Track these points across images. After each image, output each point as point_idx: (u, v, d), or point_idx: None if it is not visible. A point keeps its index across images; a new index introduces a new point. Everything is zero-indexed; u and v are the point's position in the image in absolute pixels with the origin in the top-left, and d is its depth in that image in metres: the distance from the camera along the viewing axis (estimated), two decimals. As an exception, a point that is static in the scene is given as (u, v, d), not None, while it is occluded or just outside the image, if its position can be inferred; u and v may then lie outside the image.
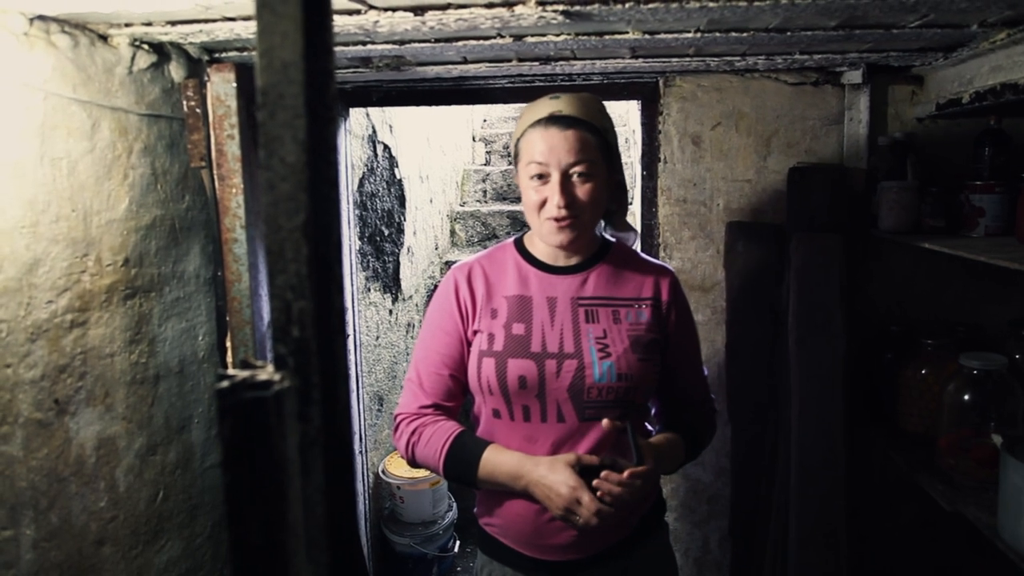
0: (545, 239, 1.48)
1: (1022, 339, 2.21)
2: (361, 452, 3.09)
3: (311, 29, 0.51)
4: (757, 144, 2.44)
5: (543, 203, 1.44)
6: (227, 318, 1.80)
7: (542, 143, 1.42)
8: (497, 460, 1.42)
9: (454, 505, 3.59)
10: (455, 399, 1.54)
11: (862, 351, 2.36)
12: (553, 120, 1.42)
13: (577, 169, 1.42)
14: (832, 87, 2.41)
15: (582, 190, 1.43)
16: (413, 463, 1.50)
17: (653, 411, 1.70)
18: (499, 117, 6.42)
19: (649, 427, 1.65)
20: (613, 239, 1.64)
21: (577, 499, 1.33)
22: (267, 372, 0.52)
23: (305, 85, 0.52)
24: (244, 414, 0.51)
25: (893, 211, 2.16)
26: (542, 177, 1.43)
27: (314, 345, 0.54)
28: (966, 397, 1.79)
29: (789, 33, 1.71)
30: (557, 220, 1.43)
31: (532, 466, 1.39)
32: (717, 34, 1.70)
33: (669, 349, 1.57)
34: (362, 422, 3.08)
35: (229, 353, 1.83)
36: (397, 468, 3.47)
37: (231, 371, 0.52)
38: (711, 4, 1.35)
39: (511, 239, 1.63)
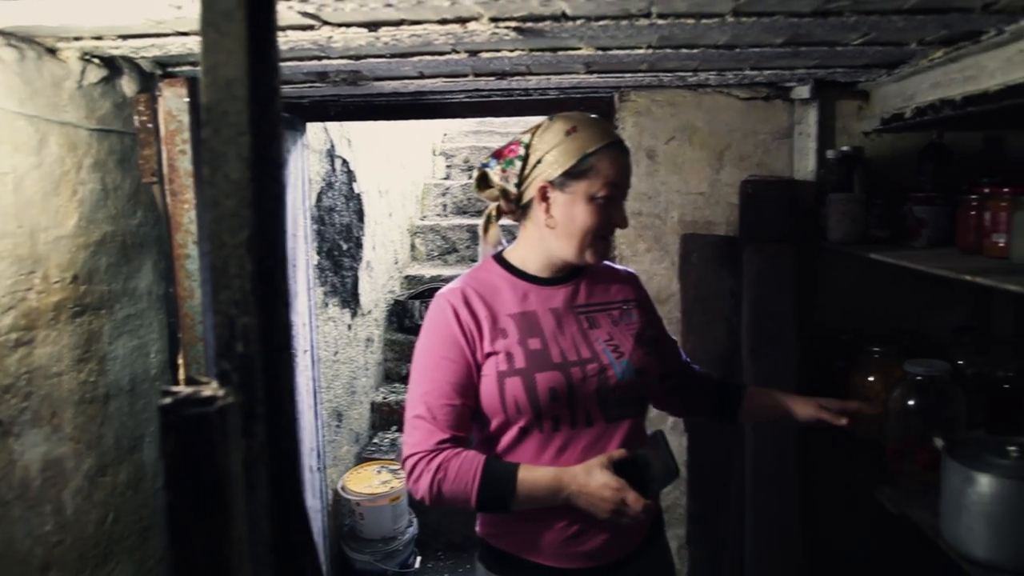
0: (587, 257, 1.49)
1: (964, 346, 2.27)
2: (319, 469, 3.06)
3: (255, 47, 0.52)
4: (710, 158, 2.48)
5: (606, 223, 1.47)
6: (179, 335, 1.78)
7: (621, 166, 1.46)
8: (533, 479, 1.39)
9: (414, 521, 3.57)
10: (467, 428, 1.49)
11: (815, 359, 2.41)
12: (623, 148, 1.48)
13: (624, 194, 1.51)
14: (782, 102, 2.46)
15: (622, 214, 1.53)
16: (438, 501, 1.43)
17: (655, 396, 1.73)
18: (459, 131, 6.44)
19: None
20: None
21: (623, 499, 1.35)
22: (211, 388, 0.52)
23: (249, 102, 0.52)
24: (187, 430, 0.51)
25: (841, 223, 2.21)
26: (611, 199, 1.46)
27: (258, 361, 0.54)
28: (911, 403, 1.84)
29: (738, 50, 1.75)
30: (602, 239, 1.50)
31: (570, 478, 1.38)
32: (668, 50, 1.73)
33: (659, 338, 1.66)
34: (320, 438, 3.05)
35: (182, 370, 1.81)
36: (356, 484, 3.44)
37: (175, 387, 0.52)
38: (660, 21, 1.37)
39: (489, 257, 1.62)
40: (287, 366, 0.56)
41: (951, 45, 1.71)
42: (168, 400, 0.51)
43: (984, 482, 1.48)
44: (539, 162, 1.46)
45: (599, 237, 1.48)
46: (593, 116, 1.51)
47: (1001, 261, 1.72)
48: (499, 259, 1.59)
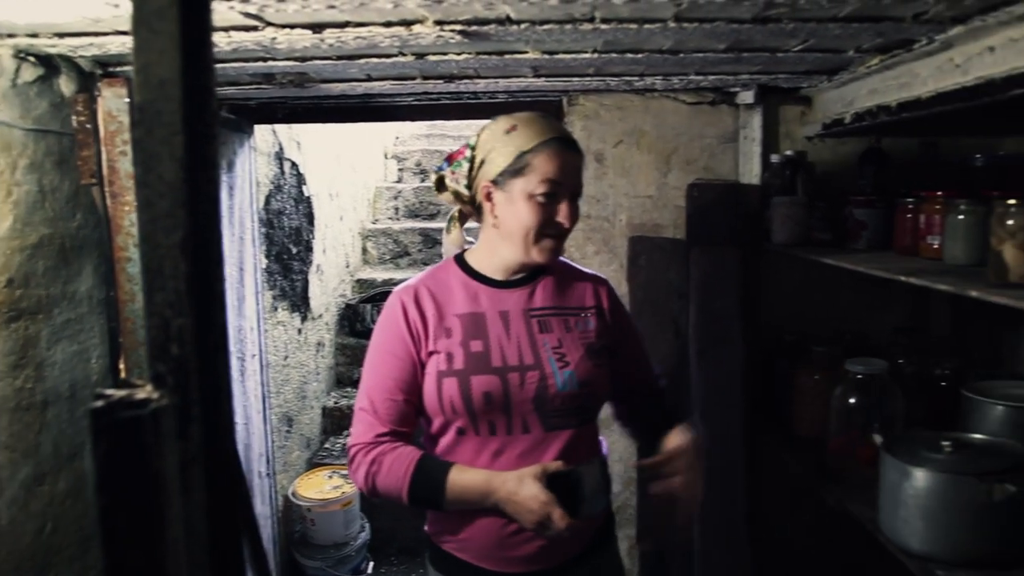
0: (535, 256, 1.48)
1: (904, 345, 2.34)
2: (269, 474, 3.02)
3: (189, 46, 0.51)
4: (658, 161, 2.51)
5: (547, 220, 1.45)
6: (120, 340, 1.74)
7: (560, 161, 1.43)
8: (464, 480, 1.41)
9: (367, 526, 3.54)
10: (410, 424, 1.50)
11: (760, 360, 2.46)
12: (566, 142, 1.46)
13: (576, 193, 1.48)
14: (727, 107, 2.51)
15: (576, 211, 1.49)
16: (373, 494, 1.45)
17: (614, 412, 1.75)
18: (411, 135, 6.41)
19: (602, 439, 1.67)
20: None
21: (548, 513, 1.35)
22: (145, 391, 0.52)
23: (183, 102, 0.51)
24: (120, 434, 0.50)
25: (785, 225, 2.26)
26: (550, 195, 1.44)
27: (194, 362, 0.53)
28: (851, 400, 1.89)
29: (682, 55, 1.78)
30: (557, 238, 1.47)
31: (500, 483, 1.39)
32: (614, 55, 1.75)
33: (621, 352, 1.61)
34: (270, 444, 3.01)
35: (123, 375, 1.77)
36: (307, 490, 3.40)
37: (107, 391, 0.52)
38: (604, 26, 1.39)
39: (450, 257, 1.62)
40: (224, 367, 0.56)
41: (886, 53, 1.77)
42: (100, 403, 0.50)
43: (919, 476, 1.52)
44: (483, 163, 1.47)
45: (544, 236, 1.46)
46: (537, 114, 1.49)
47: (935, 262, 1.78)
48: (458, 259, 1.60)
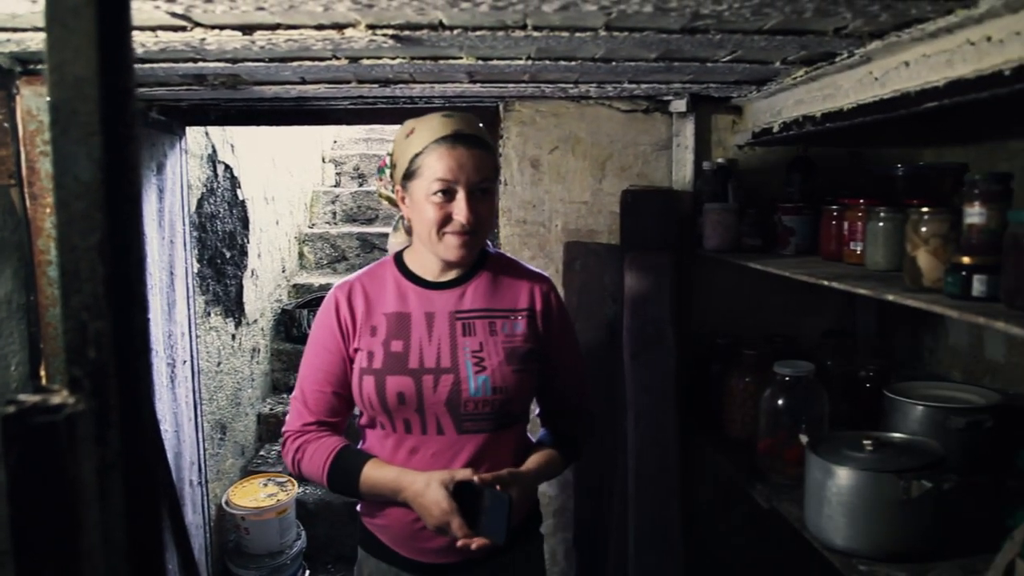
0: (443, 254, 1.50)
1: (832, 348, 2.42)
2: (201, 483, 2.95)
3: (107, 45, 0.51)
4: (593, 167, 2.55)
5: (446, 219, 1.46)
6: (41, 345, 1.68)
7: (450, 160, 1.44)
8: (376, 475, 1.48)
9: (302, 534, 3.49)
10: (339, 415, 1.58)
11: (695, 363, 2.51)
12: (459, 138, 1.45)
13: (481, 187, 1.48)
14: (661, 115, 2.56)
15: (484, 207, 1.49)
16: (299, 477, 1.57)
17: (538, 412, 1.75)
18: (349, 139, 6.35)
19: (531, 437, 1.69)
20: (492, 250, 1.68)
21: (448, 522, 1.40)
22: (61, 396, 0.51)
23: (101, 102, 0.51)
24: (32, 441, 0.49)
25: (716, 231, 2.32)
26: (447, 193, 1.45)
27: (112, 366, 0.52)
28: (780, 402, 1.94)
29: (615, 63, 1.81)
30: (461, 235, 1.47)
31: (409, 482, 1.44)
32: (548, 62, 1.77)
33: (551, 357, 1.62)
34: (201, 452, 2.95)
35: (44, 382, 1.71)
36: (241, 498, 3.33)
37: (20, 396, 0.51)
38: (536, 34, 1.41)
39: (390, 255, 1.64)
40: (145, 371, 0.55)
41: (811, 65, 1.83)
42: (11, 409, 0.49)
43: (842, 475, 1.58)
44: (393, 167, 1.54)
45: (447, 233, 1.47)
46: (437, 114, 1.50)
47: (858, 267, 1.84)
48: (397, 258, 1.63)
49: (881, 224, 1.72)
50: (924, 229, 1.47)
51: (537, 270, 1.69)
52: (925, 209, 1.49)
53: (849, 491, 1.57)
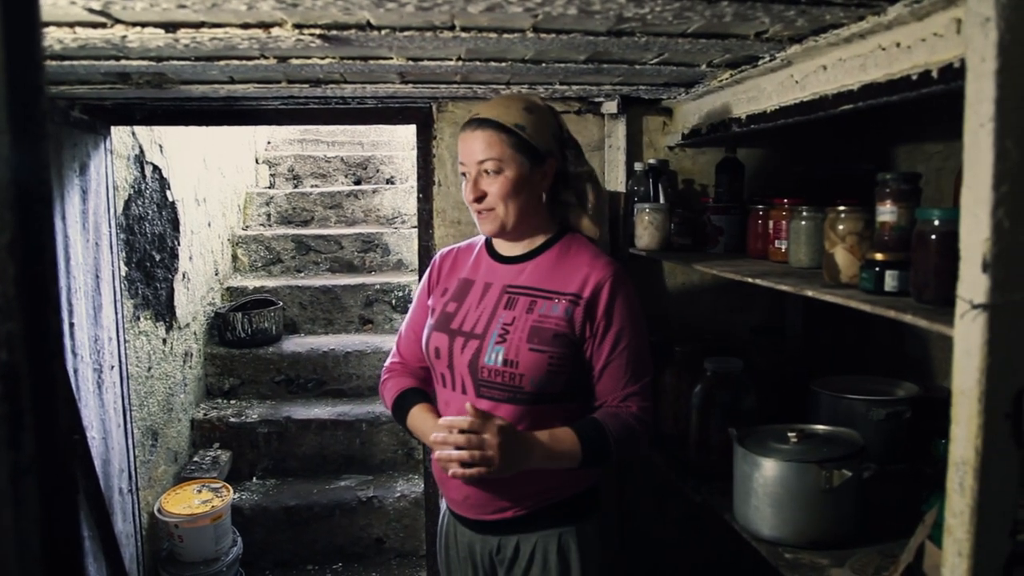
0: (480, 228, 1.65)
1: (760, 344, 2.48)
2: (131, 491, 2.87)
3: (15, 41, 0.50)
4: (527, 168, 2.56)
5: (468, 196, 1.62)
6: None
7: (463, 144, 1.60)
8: (415, 422, 1.67)
9: (239, 540, 3.42)
10: (423, 360, 1.75)
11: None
12: (469, 124, 1.60)
13: (485, 166, 1.57)
14: (594, 116, 2.59)
15: (493, 185, 1.57)
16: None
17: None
18: (284, 139, 6.26)
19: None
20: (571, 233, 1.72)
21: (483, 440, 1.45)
22: (-32, 400, 0.49)
23: (9, 100, 0.49)
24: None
25: (648, 231, 2.35)
26: (465, 176, 1.62)
27: (25, 368, 0.51)
28: (710, 398, 1.98)
29: (544, 64, 1.82)
30: (478, 212, 1.62)
31: (431, 427, 1.59)
32: (478, 63, 1.78)
33: (587, 346, 1.58)
34: (131, 459, 2.87)
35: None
36: (175, 505, 3.25)
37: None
38: (464, 35, 1.41)
39: None
40: (60, 374, 0.54)
41: (735, 68, 1.87)
42: (-86, 416, 0.48)
43: (767, 466, 1.62)
44: None
45: (475, 211, 1.63)
46: (487, 101, 1.67)
47: (782, 265, 1.89)
48: None
49: (803, 223, 1.77)
50: (841, 227, 1.52)
51: (606, 260, 1.64)
52: (842, 208, 1.54)
53: (774, 482, 1.62)
